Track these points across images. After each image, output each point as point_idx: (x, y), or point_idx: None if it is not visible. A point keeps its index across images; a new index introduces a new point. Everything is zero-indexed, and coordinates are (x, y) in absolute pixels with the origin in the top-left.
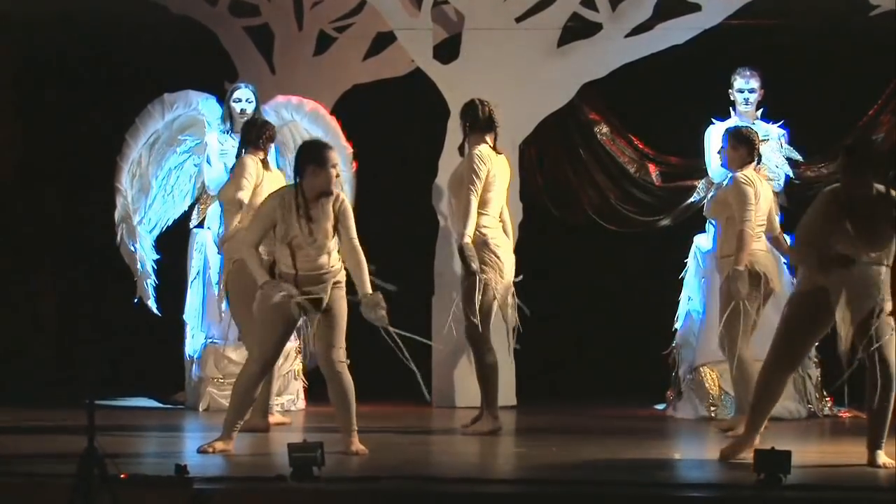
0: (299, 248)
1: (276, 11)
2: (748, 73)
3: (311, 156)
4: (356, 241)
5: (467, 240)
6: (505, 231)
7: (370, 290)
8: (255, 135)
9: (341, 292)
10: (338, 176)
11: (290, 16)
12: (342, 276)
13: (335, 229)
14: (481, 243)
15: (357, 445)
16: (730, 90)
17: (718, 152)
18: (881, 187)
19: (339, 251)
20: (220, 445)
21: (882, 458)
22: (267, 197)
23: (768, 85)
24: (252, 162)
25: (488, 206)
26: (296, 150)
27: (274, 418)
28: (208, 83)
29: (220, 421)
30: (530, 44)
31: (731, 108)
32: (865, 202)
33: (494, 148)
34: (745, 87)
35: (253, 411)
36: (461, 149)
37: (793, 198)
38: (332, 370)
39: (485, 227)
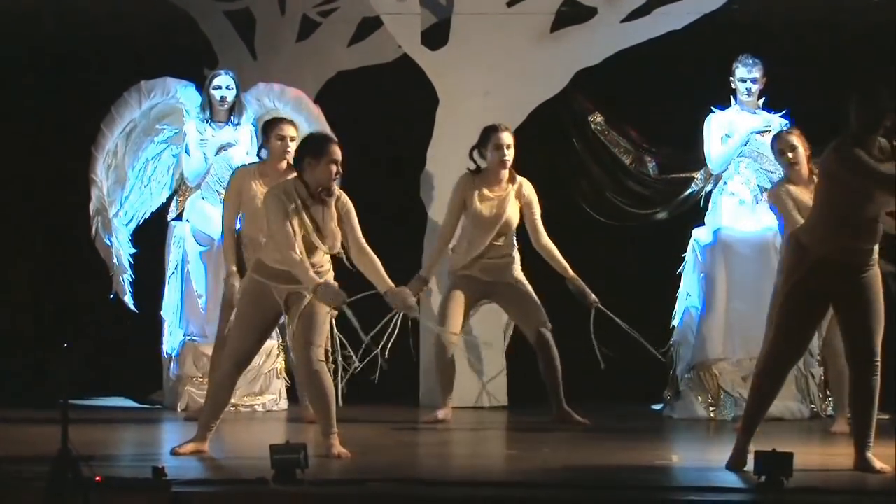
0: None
1: None
2: (750, 61)
3: (310, 148)
4: (363, 241)
5: None
6: None
7: (393, 285)
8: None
9: None
10: (338, 173)
11: (272, 0)
12: (330, 277)
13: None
14: None
15: (338, 448)
16: (731, 78)
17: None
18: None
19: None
20: (191, 447)
21: (875, 461)
22: (270, 196)
23: (770, 73)
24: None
25: None
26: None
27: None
28: (187, 70)
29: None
30: (522, 29)
31: (731, 97)
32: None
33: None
34: (748, 76)
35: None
36: None
37: None
38: (310, 369)
39: None
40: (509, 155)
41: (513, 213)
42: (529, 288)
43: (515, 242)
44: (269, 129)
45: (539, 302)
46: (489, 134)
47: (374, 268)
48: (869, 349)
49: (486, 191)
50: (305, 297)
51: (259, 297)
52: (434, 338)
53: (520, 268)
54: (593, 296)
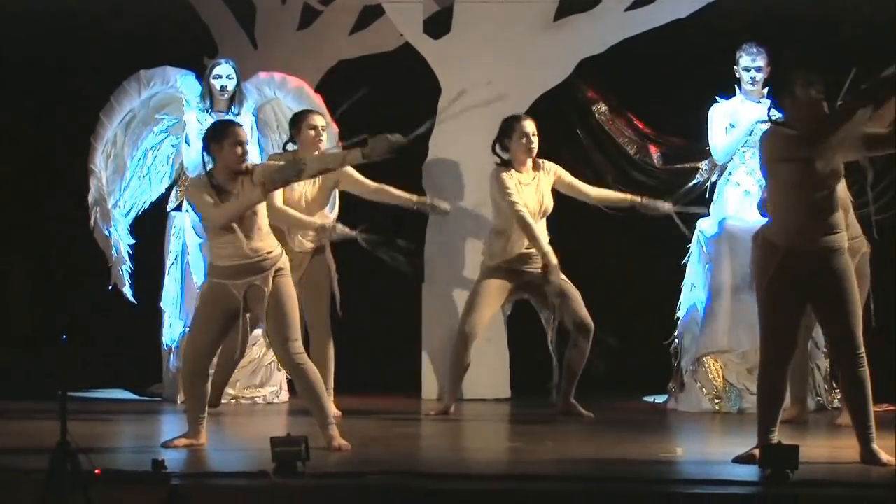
0: (230, 232)
1: None
2: (755, 50)
3: (212, 135)
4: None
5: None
6: None
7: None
8: None
9: (285, 279)
10: (245, 153)
11: None
12: (284, 263)
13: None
14: None
15: (338, 440)
16: (735, 67)
17: None
18: None
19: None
20: (183, 441)
21: (880, 453)
22: (192, 195)
23: (776, 61)
24: None
25: None
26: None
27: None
28: (187, 59)
29: None
30: (526, 18)
31: (736, 86)
32: None
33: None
34: (752, 65)
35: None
36: None
37: None
38: (293, 364)
39: None
40: (535, 142)
41: (550, 197)
42: (571, 284)
43: (546, 235)
44: (299, 120)
45: (582, 300)
46: (513, 123)
47: (386, 191)
48: (850, 342)
49: (521, 182)
50: (265, 290)
51: (217, 297)
52: (450, 330)
53: (557, 263)
54: (665, 204)
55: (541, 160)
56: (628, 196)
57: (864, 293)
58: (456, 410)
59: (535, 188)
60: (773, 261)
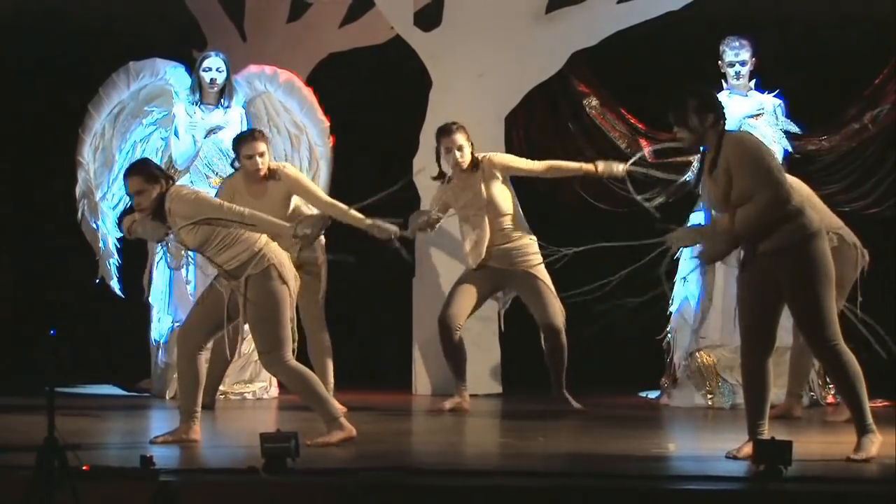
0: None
1: None
2: (737, 43)
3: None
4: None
5: None
6: None
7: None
8: None
9: (267, 284)
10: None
11: None
12: (258, 267)
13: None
14: None
15: (347, 429)
16: (719, 62)
17: None
18: None
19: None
20: (175, 436)
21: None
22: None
23: (764, 53)
24: None
25: None
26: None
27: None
28: (176, 51)
29: None
30: (517, 10)
31: (722, 81)
32: None
33: None
34: (736, 59)
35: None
36: None
37: (793, 173)
38: (282, 370)
39: None
40: (462, 156)
41: (497, 191)
42: (548, 283)
43: (527, 230)
44: (237, 147)
45: (555, 301)
46: (439, 138)
47: (343, 211)
48: (818, 336)
49: (460, 187)
50: (240, 297)
51: (213, 286)
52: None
53: (539, 260)
54: (620, 165)
55: (481, 156)
56: (582, 165)
57: (840, 288)
58: (448, 406)
59: (477, 188)
60: (743, 258)
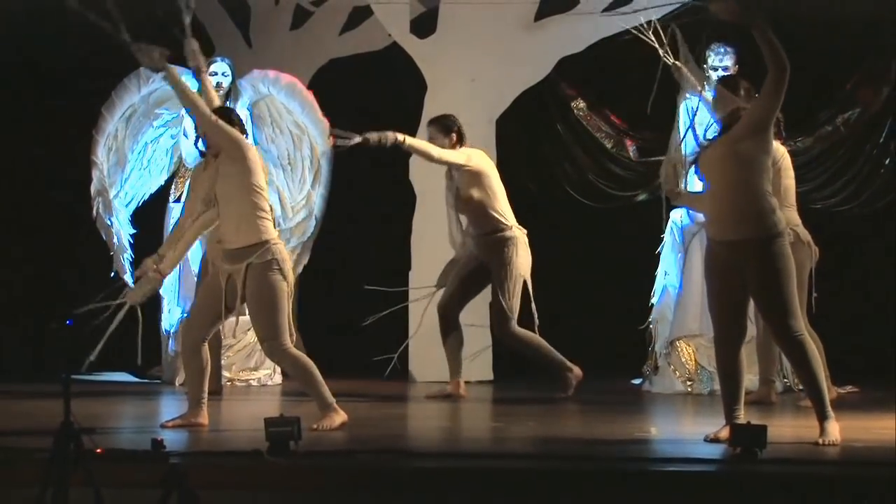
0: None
1: None
2: (722, 49)
3: None
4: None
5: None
6: None
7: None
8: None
9: (266, 275)
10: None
11: None
12: (262, 258)
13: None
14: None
15: (340, 416)
16: (704, 66)
17: None
18: None
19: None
20: (184, 421)
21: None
22: None
23: (746, 59)
24: None
25: None
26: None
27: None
28: (184, 57)
29: None
30: (507, 18)
31: (705, 83)
32: None
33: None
34: (719, 64)
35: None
36: None
37: None
38: (280, 357)
39: None
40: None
41: (461, 184)
42: (506, 285)
43: (501, 224)
44: None
45: (503, 306)
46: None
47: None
48: (781, 326)
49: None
50: (238, 283)
51: (214, 272)
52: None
53: (514, 259)
54: (395, 135)
55: None
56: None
57: (800, 282)
58: (441, 393)
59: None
60: (708, 250)
